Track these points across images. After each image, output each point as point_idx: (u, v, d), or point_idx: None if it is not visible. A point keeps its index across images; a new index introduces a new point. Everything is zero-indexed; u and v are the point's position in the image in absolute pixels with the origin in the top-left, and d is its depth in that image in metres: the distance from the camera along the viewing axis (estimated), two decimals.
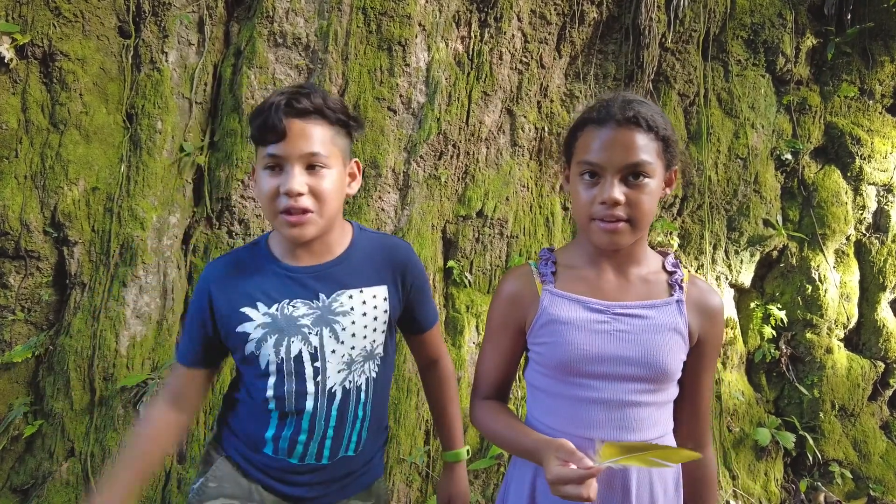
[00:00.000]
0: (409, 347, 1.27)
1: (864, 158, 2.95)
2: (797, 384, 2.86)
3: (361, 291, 1.07)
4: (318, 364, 1.04)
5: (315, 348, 1.03)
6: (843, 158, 2.99)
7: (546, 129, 2.59)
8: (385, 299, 1.09)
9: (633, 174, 0.95)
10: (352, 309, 1.06)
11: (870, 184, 2.98)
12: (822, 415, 2.83)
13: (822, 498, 2.72)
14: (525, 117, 2.53)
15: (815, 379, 2.84)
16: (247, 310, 1.03)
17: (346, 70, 2.25)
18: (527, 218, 2.57)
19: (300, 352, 1.03)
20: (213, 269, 1.08)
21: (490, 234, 2.48)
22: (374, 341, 1.08)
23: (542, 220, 2.60)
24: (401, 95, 2.31)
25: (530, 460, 1.01)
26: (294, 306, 1.04)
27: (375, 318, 1.08)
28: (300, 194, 0.97)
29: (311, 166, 0.99)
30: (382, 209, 2.31)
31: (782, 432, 2.74)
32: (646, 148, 0.95)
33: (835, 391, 2.84)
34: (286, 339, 1.03)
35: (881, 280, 2.97)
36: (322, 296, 1.05)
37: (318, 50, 2.23)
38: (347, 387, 1.06)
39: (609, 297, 1.03)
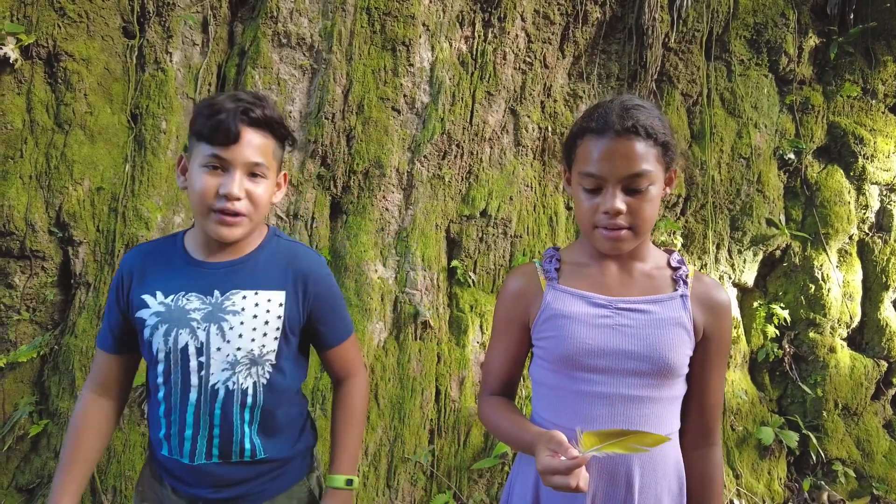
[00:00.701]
0: (321, 363, 1.25)
1: (867, 158, 2.96)
2: (800, 383, 2.86)
3: (256, 294, 1.08)
4: (202, 359, 1.05)
5: (201, 343, 1.05)
6: (846, 158, 2.99)
7: (549, 128, 2.59)
8: (280, 305, 1.09)
9: (633, 183, 0.96)
10: (242, 309, 1.06)
11: (873, 183, 2.98)
12: (825, 414, 2.83)
13: (825, 497, 2.72)
14: (528, 117, 2.53)
15: (819, 378, 2.84)
16: (147, 297, 1.07)
17: (351, 70, 2.25)
18: (530, 217, 2.57)
19: (186, 344, 1.05)
20: (130, 256, 1.13)
21: (494, 234, 2.49)
22: (262, 346, 1.07)
23: (546, 220, 2.60)
24: (405, 95, 2.31)
25: (531, 455, 1.01)
26: (188, 299, 1.06)
27: (267, 323, 1.08)
28: (238, 199, 1.01)
29: (252, 174, 1.03)
30: (386, 209, 2.31)
31: (785, 431, 2.74)
32: (645, 156, 0.96)
33: (838, 390, 2.84)
34: (175, 329, 1.05)
35: (884, 279, 2.97)
36: (216, 292, 1.07)
37: (322, 50, 2.24)
38: (231, 387, 1.06)
39: (612, 292, 1.04)
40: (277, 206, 2.22)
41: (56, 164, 2.01)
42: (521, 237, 2.54)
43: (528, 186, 2.57)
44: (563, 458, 0.85)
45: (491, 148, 2.48)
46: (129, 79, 2.13)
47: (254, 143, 1.02)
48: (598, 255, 1.07)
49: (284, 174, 1.16)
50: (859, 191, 2.98)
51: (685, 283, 1.05)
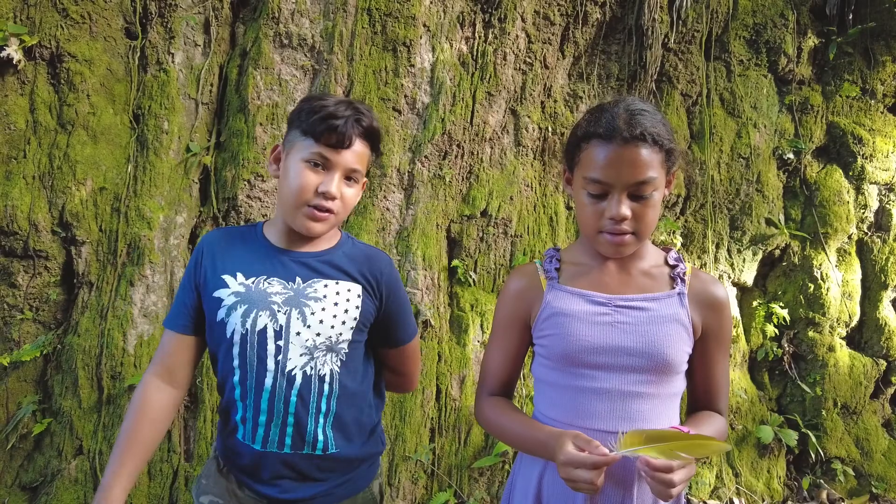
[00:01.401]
0: (384, 362, 1.27)
1: (866, 158, 2.97)
2: (799, 382, 2.87)
3: (337, 283, 1.12)
4: (280, 343, 1.06)
5: (281, 326, 1.06)
6: (845, 158, 3.00)
7: (550, 129, 2.60)
8: (359, 296, 1.12)
9: (639, 190, 0.98)
10: (324, 297, 1.09)
11: (871, 183, 2.99)
12: (824, 412, 2.84)
13: (824, 495, 2.73)
14: (529, 117, 2.54)
15: (818, 377, 2.85)
16: (226, 277, 1.09)
17: (352, 71, 2.27)
18: (531, 217, 2.58)
19: (265, 327, 1.06)
20: (210, 236, 1.17)
21: (494, 234, 2.50)
22: (339, 334, 1.10)
23: (546, 220, 2.62)
24: (405, 96, 2.32)
25: (540, 455, 1.02)
26: (269, 283, 1.09)
27: (346, 311, 1.11)
28: (335, 198, 1.07)
29: (348, 178, 1.10)
30: (387, 209, 2.32)
31: (785, 430, 2.76)
32: (651, 163, 0.97)
33: (837, 389, 2.85)
34: (254, 311, 1.06)
35: (883, 278, 2.98)
36: (299, 279, 1.10)
37: (323, 51, 2.25)
38: (308, 373, 1.07)
39: (611, 290, 1.05)
40: None
41: (59, 165, 2.02)
42: (521, 237, 2.55)
43: (528, 186, 2.58)
44: (598, 449, 0.86)
45: (491, 148, 2.49)
46: (131, 79, 2.15)
47: (357, 151, 1.09)
48: (598, 255, 1.08)
49: (365, 179, 1.21)
50: (858, 190, 2.99)
51: (682, 280, 1.07)
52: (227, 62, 2.28)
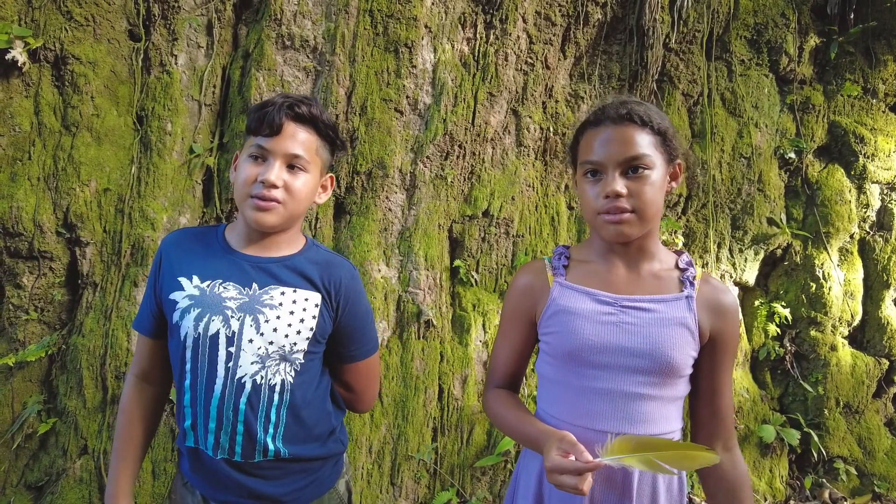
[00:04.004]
0: (336, 376, 1.23)
1: (868, 157, 2.97)
2: (801, 381, 2.87)
3: (295, 291, 1.09)
4: (231, 349, 1.04)
5: (233, 332, 1.04)
6: (847, 157, 3.00)
7: (551, 129, 2.61)
8: (316, 306, 1.10)
9: (632, 167, 0.99)
10: (280, 304, 1.07)
11: (873, 182, 2.99)
12: (826, 412, 2.85)
13: (826, 494, 2.73)
14: (530, 118, 2.55)
15: (820, 376, 2.86)
16: (182, 279, 1.07)
17: (354, 72, 2.28)
18: (532, 217, 2.59)
19: (217, 332, 1.04)
20: (170, 238, 1.15)
21: (496, 234, 2.51)
22: (294, 344, 1.07)
23: (548, 220, 2.62)
24: (407, 97, 2.33)
25: (534, 450, 1.03)
26: (225, 287, 1.07)
27: (302, 321, 1.08)
28: (274, 186, 1.04)
29: (291, 166, 1.07)
30: (389, 209, 2.33)
31: (787, 429, 2.76)
32: (642, 142, 1.00)
33: (839, 388, 2.85)
34: (207, 315, 1.05)
35: (885, 278, 2.98)
36: (255, 285, 1.08)
37: (325, 52, 2.26)
38: (259, 382, 1.05)
39: (618, 290, 1.05)
40: None
41: (63, 166, 2.03)
42: (522, 237, 2.55)
43: (529, 186, 2.59)
44: (573, 458, 0.86)
45: (493, 148, 2.50)
46: (134, 81, 2.16)
47: (295, 137, 1.07)
48: (606, 252, 1.08)
49: (331, 177, 1.18)
50: (860, 190, 2.99)
51: (692, 284, 1.06)
52: (230, 64, 2.29)
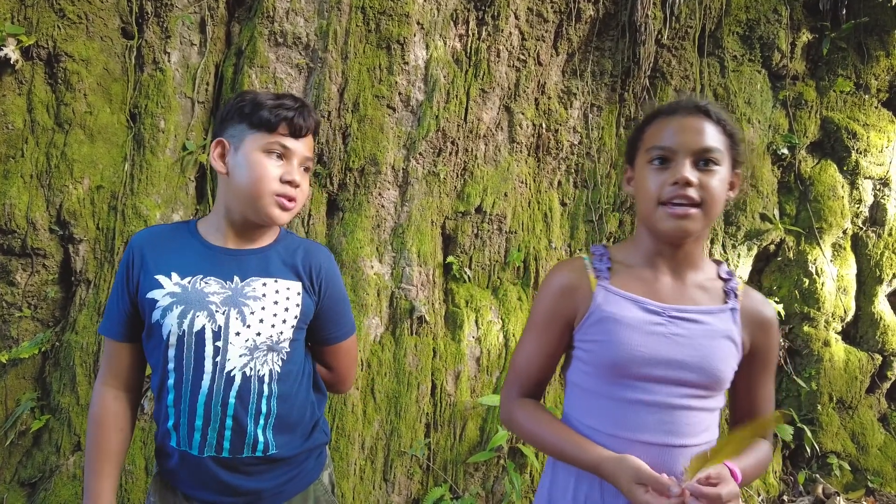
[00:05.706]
0: (318, 359, 1.25)
1: (860, 153, 2.98)
2: (795, 377, 2.88)
3: (276, 281, 1.10)
4: (219, 343, 1.04)
5: (219, 327, 1.04)
6: (840, 153, 3.01)
7: (544, 125, 2.61)
8: (298, 294, 1.11)
9: (703, 159, 0.95)
10: (263, 295, 1.08)
11: (866, 178, 3.00)
12: (820, 407, 2.86)
13: (820, 490, 2.74)
14: (523, 114, 2.55)
15: (813, 372, 2.87)
16: (160, 277, 1.05)
17: (346, 68, 2.28)
18: (525, 213, 2.60)
19: (203, 328, 1.04)
20: (139, 236, 1.12)
21: (489, 230, 2.51)
22: (280, 333, 1.08)
23: (541, 216, 2.63)
24: (400, 93, 2.34)
25: (589, 471, 0.98)
26: (206, 282, 1.06)
27: (287, 310, 1.09)
28: (299, 186, 1.08)
29: (305, 168, 1.12)
30: (382, 206, 2.34)
31: (780, 425, 2.76)
32: (714, 137, 0.97)
33: (833, 384, 2.86)
34: (191, 312, 1.04)
35: (878, 273, 2.99)
36: (236, 278, 1.08)
37: (317, 49, 2.27)
38: (248, 374, 1.05)
39: (665, 299, 1.00)
40: None
41: (56, 163, 2.04)
42: (515, 233, 2.56)
43: (522, 183, 2.60)
44: (671, 492, 0.85)
45: (485, 145, 2.51)
46: (127, 79, 2.16)
47: (308, 141, 1.11)
48: (652, 257, 1.03)
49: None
50: (853, 185, 3.00)
51: (735, 296, 1.03)
52: (223, 61, 2.29)
